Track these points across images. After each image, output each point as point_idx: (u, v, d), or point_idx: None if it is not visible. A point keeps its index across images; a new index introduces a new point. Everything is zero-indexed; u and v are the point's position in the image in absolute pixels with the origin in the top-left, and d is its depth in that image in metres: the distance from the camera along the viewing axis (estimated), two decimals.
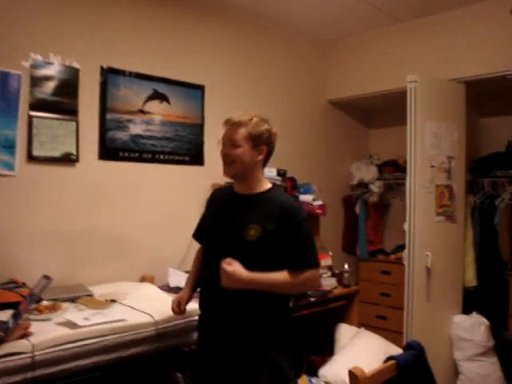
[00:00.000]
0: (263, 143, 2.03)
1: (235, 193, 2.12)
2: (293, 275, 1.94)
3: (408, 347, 2.00)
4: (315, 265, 2.00)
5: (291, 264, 1.96)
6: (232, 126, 2.02)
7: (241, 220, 2.00)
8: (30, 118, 2.78)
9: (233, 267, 1.88)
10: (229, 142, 2.01)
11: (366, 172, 4.78)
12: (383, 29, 4.29)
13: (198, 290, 2.27)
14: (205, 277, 2.16)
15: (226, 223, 2.06)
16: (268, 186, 2.10)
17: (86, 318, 2.18)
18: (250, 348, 1.97)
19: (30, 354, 1.90)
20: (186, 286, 2.35)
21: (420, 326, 3.45)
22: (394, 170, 4.72)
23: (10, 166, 2.71)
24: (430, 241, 3.55)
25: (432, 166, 3.59)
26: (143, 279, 3.15)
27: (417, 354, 1.95)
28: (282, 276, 1.94)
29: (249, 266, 1.90)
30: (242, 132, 1.99)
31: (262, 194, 2.07)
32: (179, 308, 2.27)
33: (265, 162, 2.10)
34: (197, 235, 2.33)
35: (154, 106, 3.35)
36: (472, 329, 3.58)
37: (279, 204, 2.01)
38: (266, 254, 1.96)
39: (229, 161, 2.01)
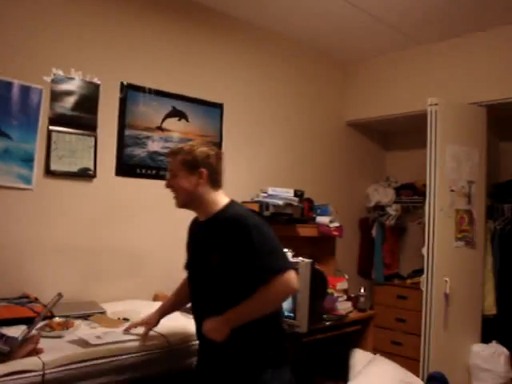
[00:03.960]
0: (201, 166, 1.98)
1: (198, 220, 2.14)
2: (262, 290, 1.83)
3: (431, 379, 1.93)
4: (279, 269, 1.83)
5: (259, 278, 1.84)
6: (169, 156, 2.05)
7: (204, 248, 2.03)
8: (49, 132, 2.79)
9: (207, 325, 1.88)
10: (169, 174, 2.04)
11: (383, 194, 4.74)
12: (404, 51, 4.27)
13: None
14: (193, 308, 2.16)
15: (195, 254, 2.15)
16: (222, 204, 2.02)
17: (99, 337, 2.14)
18: (244, 371, 1.92)
19: (41, 372, 1.85)
20: (156, 311, 2.29)
21: (437, 354, 3.35)
22: (411, 193, 4.68)
23: (28, 180, 2.71)
24: (449, 266, 3.48)
25: (452, 191, 3.54)
26: (156, 297, 3.10)
27: None
28: (253, 297, 1.84)
29: (222, 292, 1.92)
30: (177, 160, 2.00)
31: (216, 215, 2.01)
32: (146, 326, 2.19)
33: (213, 184, 2.03)
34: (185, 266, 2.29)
35: (173, 124, 3.35)
36: (491, 359, 3.48)
37: (225, 220, 1.94)
38: (232, 275, 1.90)
39: (173, 192, 2.04)
